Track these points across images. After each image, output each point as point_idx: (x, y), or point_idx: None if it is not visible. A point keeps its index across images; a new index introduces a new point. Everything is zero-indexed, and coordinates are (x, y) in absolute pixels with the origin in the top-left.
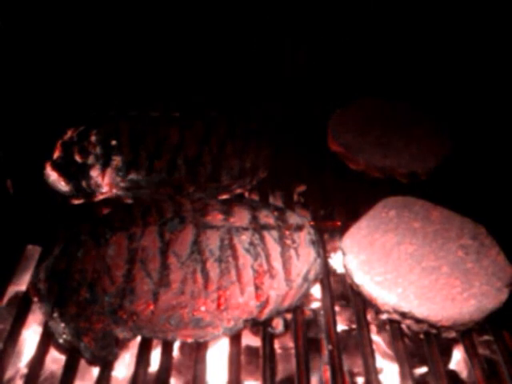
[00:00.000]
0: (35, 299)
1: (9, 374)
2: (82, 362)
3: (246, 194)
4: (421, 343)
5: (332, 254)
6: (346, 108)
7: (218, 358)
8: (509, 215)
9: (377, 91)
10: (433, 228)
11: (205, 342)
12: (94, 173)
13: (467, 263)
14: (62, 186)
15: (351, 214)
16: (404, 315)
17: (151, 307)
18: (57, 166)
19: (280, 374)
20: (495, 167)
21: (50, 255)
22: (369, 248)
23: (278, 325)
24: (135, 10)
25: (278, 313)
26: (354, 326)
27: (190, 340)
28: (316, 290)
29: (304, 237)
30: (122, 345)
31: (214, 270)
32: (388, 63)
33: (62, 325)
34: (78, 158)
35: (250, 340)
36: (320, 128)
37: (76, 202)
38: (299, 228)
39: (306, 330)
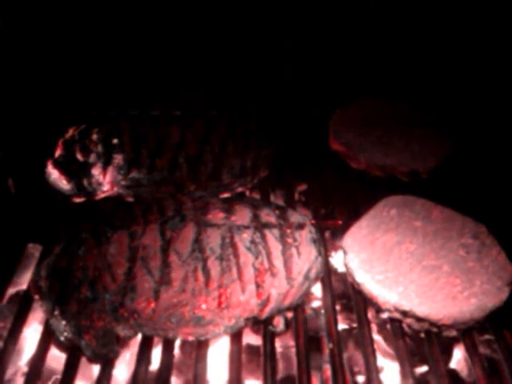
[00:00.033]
0: (36, 297)
1: (9, 372)
2: (83, 360)
3: (247, 193)
4: (421, 342)
5: (333, 253)
6: (347, 108)
7: (218, 357)
8: (509, 214)
9: (377, 91)
10: (434, 227)
11: (206, 340)
12: (96, 171)
13: (468, 262)
14: (64, 184)
15: (352, 213)
16: (405, 314)
17: (152, 305)
18: (58, 165)
19: (281, 372)
20: (495, 167)
21: (51, 253)
22: (370, 247)
23: (279, 323)
24: (135, 9)
25: (279, 311)
26: (354, 325)
27: (190, 338)
28: (317, 289)
29: (305, 235)
30: (122, 343)
31: (215, 268)
32: (388, 63)
33: (63, 322)
34: (79, 157)
35: (251, 338)
36: (320, 128)
37: (77, 200)
38: (300, 226)
39: (307, 328)
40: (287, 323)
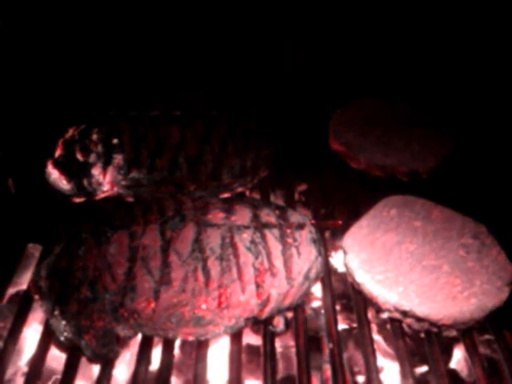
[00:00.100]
0: (36, 297)
1: (9, 372)
2: (83, 360)
3: (247, 193)
4: (421, 342)
5: (333, 253)
6: (347, 108)
7: (218, 357)
8: (509, 214)
9: (377, 91)
10: (433, 227)
11: (206, 341)
12: (96, 171)
13: (468, 262)
14: (64, 184)
15: (352, 213)
16: (405, 314)
17: (152, 305)
18: (58, 165)
19: (281, 372)
20: (495, 167)
21: (51, 253)
22: (370, 247)
23: (279, 323)
24: (135, 9)
25: (279, 311)
26: (354, 325)
27: (190, 338)
28: (317, 289)
29: (305, 235)
30: (122, 343)
31: (215, 268)
32: (388, 63)
33: (63, 322)
34: (79, 157)
35: (251, 338)
36: (320, 128)
37: (77, 200)
38: (300, 226)
39: (307, 328)
40: (287, 323)
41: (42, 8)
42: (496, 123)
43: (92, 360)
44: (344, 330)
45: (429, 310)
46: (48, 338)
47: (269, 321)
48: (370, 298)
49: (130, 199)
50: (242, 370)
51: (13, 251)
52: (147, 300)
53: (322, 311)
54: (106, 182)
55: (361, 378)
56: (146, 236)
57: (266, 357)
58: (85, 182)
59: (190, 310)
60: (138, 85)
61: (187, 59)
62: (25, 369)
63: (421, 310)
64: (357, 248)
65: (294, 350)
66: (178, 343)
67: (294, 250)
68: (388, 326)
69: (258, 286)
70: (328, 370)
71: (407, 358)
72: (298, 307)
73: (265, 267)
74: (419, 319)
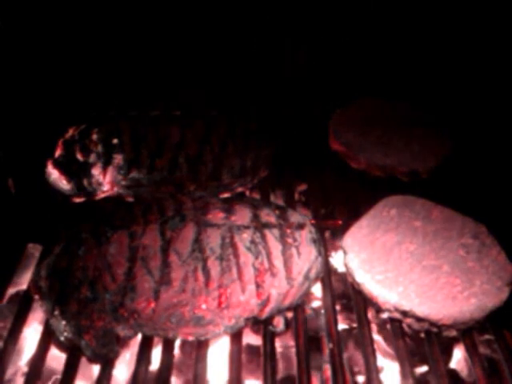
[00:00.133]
0: (36, 297)
1: (9, 372)
2: (83, 360)
3: (247, 193)
4: (421, 342)
5: (333, 253)
6: (347, 108)
7: (218, 357)
8: (509, 214)
9: (377, 91)
10: (433, 227)
11: (206, 341)
12: (96, 171)
13: (468, 262)
14: (64, 184)
15: (352, 213)
16: (405, 314)
17: (152, 305)
18: (58, 165)
19: (281, 372)
20: (495, 167)
21: (51, 253)
22: (370, 247)
23: (279, 323)
24: (135, 9)
25: (279, 311)
26: (354, 325)
27: (190, 338)
28: (317, 289)
29: (305, 235)
30: (122, 343)
31: (215, 268)
32: (388, 63)
33: (63, 322)
34: (79, 157)
35: (251, 338)
36: (320, 128)
37: (77, 200)
38: (300, 226)
39: (307, 328)
40: (287, 323)
41: (42, 8)
42: (496, 123)
43: (92, 360)
44: (344, 330)
45: (429, 309)
46: (48, 338)
47: (269, 321)
48: (370, 297)
49: (130, 199)
50: (241, 370)
51: (13, 251)
52: (147, 300)
53: (322, 311)
54: (106, 182)
55: (361, 378)
56: (146, 236)
57: (266, 357)
58: (85, 182)
59: (190, 310)
60: (138, 85)
61: (187, 59)
62: (25, 369)
63: (421, 310)
64: (357, 248)
65: (294, 350)
66: (178, 343)
67: (293, 250)
68: (388, 326)
69: (258, 285)
70: (328, 369)
71: (407, 358)
72: (298, 307)
73: (265, 267)
74: (419, 319)
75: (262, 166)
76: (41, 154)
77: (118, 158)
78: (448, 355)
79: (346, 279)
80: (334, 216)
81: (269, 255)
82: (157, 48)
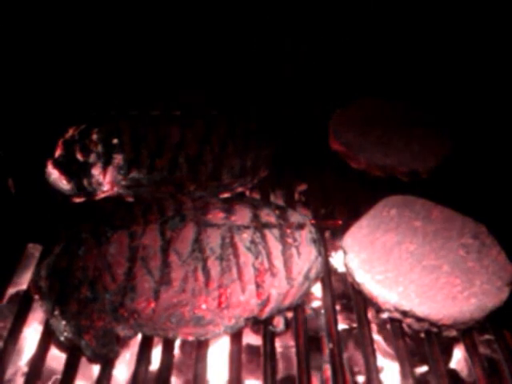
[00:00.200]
0: (36, 297)
1: (9, 372)
2: (83, 360)
3: (247, 193)
4: (421, 342)
5: (333, 253)
6: (347, 108)
7: (218, 357)
8: (509, 214)
9: (377, 91)
10: (433, 227)
11: (206, 341)
12: (96, 171)
13: (468, 262)
14: (64, 184)
15: (352, 213)
16: (405, 314)
17: (152, 305)
18: (58, 165)
19: (281, 372)
20: (495, 167)
21: (51, 253)
22: (370, 247)
23: (279, 323)
24: (135, 9)
25: (279, 311)
26: (354, 325)
27: (190, 338)
28: (317, 289)
29: (305, 235)
30: (122, 343)
31: (215, 268)
32: (388, 63)
33: (63, 322)
34: (79, 157)
35: (251, 338)
36: (320, 128)
37: (77, 200)
38: (300, 226)
39: (307, 328)
40: (287, 323)
41: (42, 8)
42: (496, 123)
43: (92, 360)
44: (344, 330)
45: (429, 310)
46: (48, 338)
47: (269, 321)
48: (370, 297)
49: (130, 199)
50: (241, 370)
51: (13, 251)
52: (147, 300)
53: (322, 311)
54: (106, 182)
55: (361, 378)
56: (146, 236)
57: (265, 357)
58: (85, 182)
59: (190, 310)
60: (137, 85)
61: (187, 59)
62: (25, 369)
63: (421, 310)
64: (357, 248)
65: (294, 350)
66: (178, 343)
67: (293, 250)
68: (388, 326)
69: (258, 285)
70: (328, 369)
71: (407, 358)
72: (298, 307)
73: (265, 267)
74: (419, 319)
75: (262, 166)
76: (41, 153)
77: (118, 158)
78: (448, 355)
79: (346, 279)
80: (334, 216)
81: (269, 255)
82: (157, 48)
